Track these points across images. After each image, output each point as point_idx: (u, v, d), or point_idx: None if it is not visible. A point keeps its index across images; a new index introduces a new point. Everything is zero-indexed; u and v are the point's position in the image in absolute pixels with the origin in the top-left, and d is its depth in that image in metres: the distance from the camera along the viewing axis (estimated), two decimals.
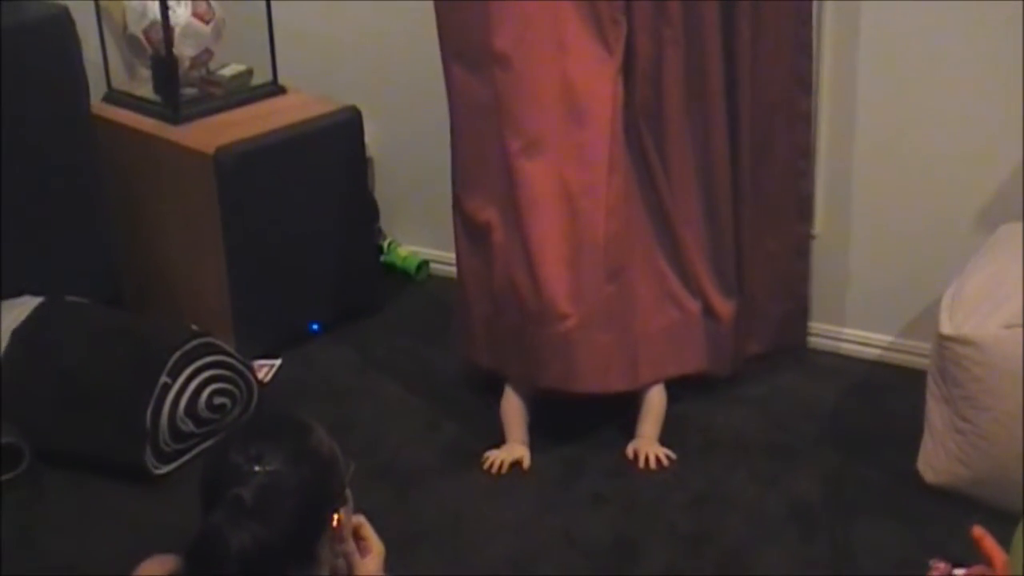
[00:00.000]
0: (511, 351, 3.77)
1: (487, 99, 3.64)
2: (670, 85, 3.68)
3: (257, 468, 2.04)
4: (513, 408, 3.78)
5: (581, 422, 3.85)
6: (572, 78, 3.59)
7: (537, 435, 3.79)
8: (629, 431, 3.77)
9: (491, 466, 3.65)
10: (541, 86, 3.59)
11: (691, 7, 3.60)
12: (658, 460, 3.66)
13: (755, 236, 3.94)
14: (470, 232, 3.81)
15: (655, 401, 3.78)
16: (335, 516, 2.17)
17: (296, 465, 2.09)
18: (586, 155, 3.62)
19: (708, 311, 3.89)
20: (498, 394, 3.83)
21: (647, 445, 3.70)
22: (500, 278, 3.70)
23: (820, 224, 4.05)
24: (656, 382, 3.79)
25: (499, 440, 3.74)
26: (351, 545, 2.32)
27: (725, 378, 3.98)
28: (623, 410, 3.80)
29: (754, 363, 4.07)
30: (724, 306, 3.91)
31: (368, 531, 2.36)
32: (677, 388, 3.87)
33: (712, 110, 3.72)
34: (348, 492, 2.24)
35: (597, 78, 3.61)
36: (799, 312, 4.13)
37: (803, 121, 3.85)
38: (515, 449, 3.70)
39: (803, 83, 3.80)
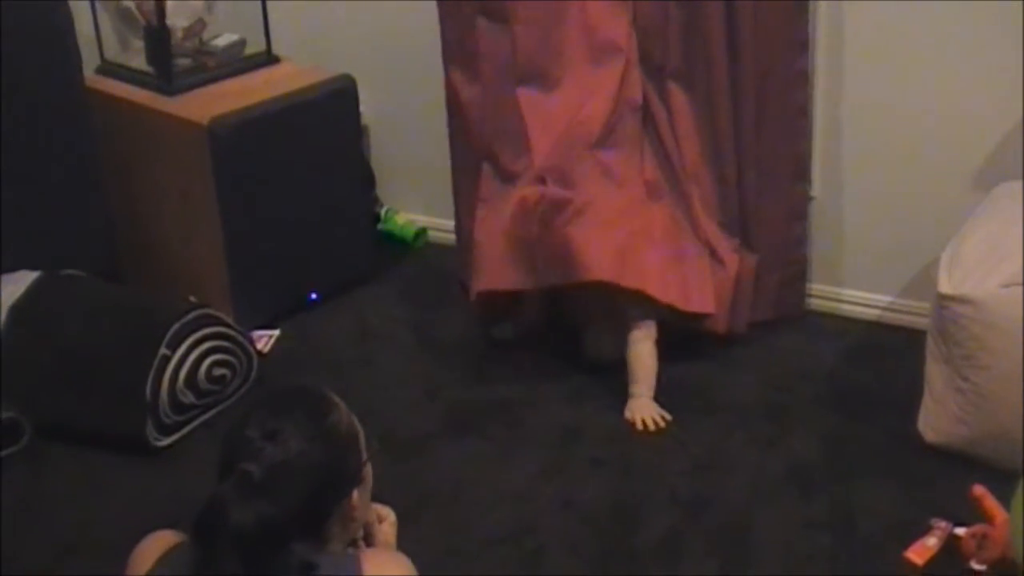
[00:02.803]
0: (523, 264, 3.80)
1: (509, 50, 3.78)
2: (672, 40, 3.75)
3: (270, 444, 2.03)
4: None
5: (580, 388, 3.85)
6: (591, 24, 3.72)
7: (536, 401, 3.80)
8: (627, 399, 3.78)
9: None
10: (561, 32, 3.73)
11: None
12: (656, 423, 3.67)
13: (756, 197, 3.94)
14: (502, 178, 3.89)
15: (646, 358, 3.78)
16: (351, 496, 2.15)
17: (311, 444, 2.06)
18: (602, 91, 3.75)
19: (715, 262, 3.93)
20: (497, 359, 3.82)
21: (643, 408, 3.71)
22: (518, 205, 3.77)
23: (818, 186, 4.04)
24: (666, 300, 3.75)
25: (496, 409, 3.77)
26: (372, 515, 2.32)
27: (724, 338, 3.98)
28: (621, 376, 3.81)
29: (752, 328, 4.07)
30: (731, 259, 3.93)
31: (377, 504, 2.36)
32: (677, 350, 3.88)
33: (714, 68, 3.74)
34: (368, 470, 2.22)
35: (613, 22, 3.73)
36: (797, 278, 4.12)
37: (800, 81, 3.84)
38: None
39: (800, 43, 3.79)
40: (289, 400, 2.18)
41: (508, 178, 3.86)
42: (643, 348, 3.78)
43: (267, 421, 2.06)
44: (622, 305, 3.77)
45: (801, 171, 3.98)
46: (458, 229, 4.29)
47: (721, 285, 3.92)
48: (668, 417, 3.68)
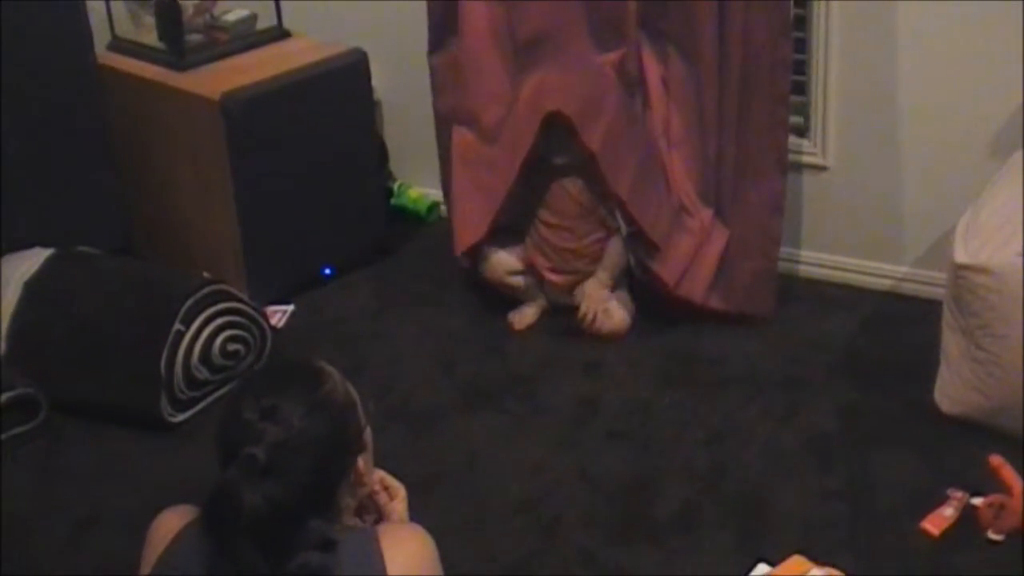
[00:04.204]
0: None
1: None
2: (670, 9, 3.80)
3: (270, 424, 2.01)
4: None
5: (595, 361, 3.85)
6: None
7: (551, 374, 3.80)
8: (644, 371, 3.78)
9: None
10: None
11: None
12: (595, 318, 3.91)
13: (734, 177, 3.92)
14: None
15: (611, 250, 3.98)
16: (356, 463, 2.14)
17: (311, 418, 2.03)
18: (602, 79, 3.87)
19: (689, 228, 3.97)
20: (512, 332, 3.85)
21: (592, 294, 3.93)
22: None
23: (832, 156, 4.03)
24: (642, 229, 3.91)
25: (511, 382, 3.78)
26: (381, 494, 2.30)
27: (697, 306, 3.99)
28: (637, 350, 3.80)
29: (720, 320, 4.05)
30: (703, 221, 3.96)
31: (389, 479, 2.35)
32: (690, 323, 3.88)
33: (702, 40, 3.76)
34: (368, 435, 2.21)
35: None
36: (769, 275, 4.03)
37: (783, 66, 3.78)
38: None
39: (784, 27, 3.73)
40: (281, 376, 2.16)
41: (492, 138, 3.96)
42: (612, 242, 3.99)
43: (263, 400, 2.03)
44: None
45: (782, 165, 3.91)
46: (450, 209, 4.29)
47: (690, 247, 3.95)
48: (624, 316, 3.95)
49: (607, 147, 3.80)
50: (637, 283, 4.08)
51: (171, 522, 2.11)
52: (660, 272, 3.95)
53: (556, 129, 3.82)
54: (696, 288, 3.97)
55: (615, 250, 3.99)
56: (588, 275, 4.01)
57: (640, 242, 3.96)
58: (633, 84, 3.89)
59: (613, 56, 3.84)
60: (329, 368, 2.17)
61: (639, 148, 3.90)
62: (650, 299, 4.05)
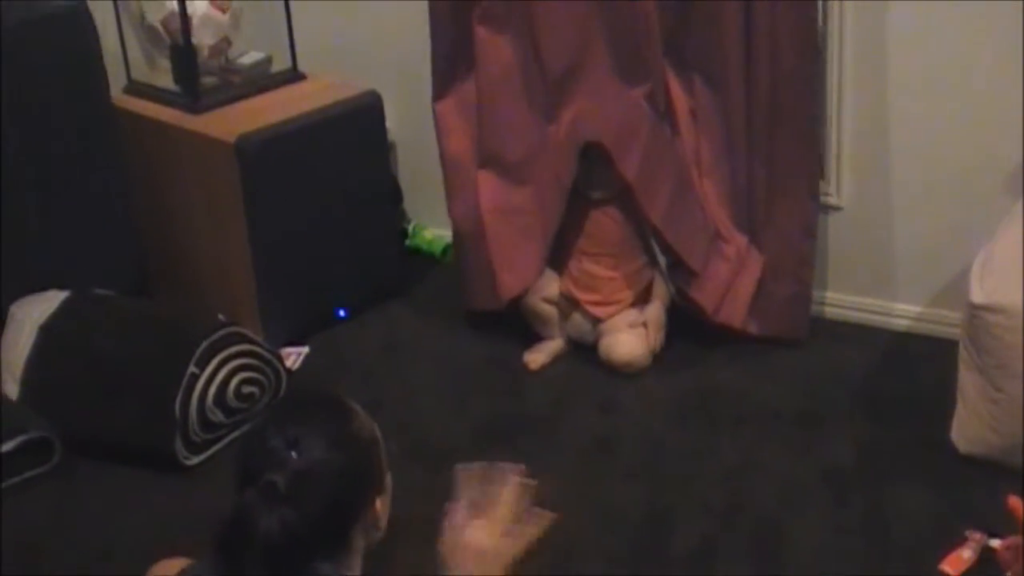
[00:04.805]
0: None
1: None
2: (694, 36, 3.83)
3: (294, 453, 2.00)
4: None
5: (611, 398, 3.85)
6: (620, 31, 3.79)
7: (567, 412, 3.79)
8: (660, 407, 3.77)
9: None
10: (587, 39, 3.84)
11: None
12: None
13: (767, 203, 3.94)
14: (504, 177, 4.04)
15: (653, 314, 4.03)
16: (374, 504, 2.13)
17: (334, 451, 2.03)
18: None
19: (726, 255, 3.99)
20: (527, 371, 3.85)
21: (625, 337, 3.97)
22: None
23: (847, 195, 4.03)
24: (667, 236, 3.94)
25: (527, 421, 3.78)
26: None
27: (736, 332, 4.02)
28: (653, 386, 3.79)
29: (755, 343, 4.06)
30: (737, 246, 3.97)
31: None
32: (708, 358, 3.89)
33: (729, 65, 3.78)
34: (389, 478, 2.20)
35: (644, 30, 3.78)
36: (803, 299, 4.05)
37: (813, 90, 3.80)
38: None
39: (810, 52, 3.75)
40: (309, 407, 2.15)
41: (521, 178, 3.98)
42: (654, 306, 4.04)
43: (288, 429, 2.02)
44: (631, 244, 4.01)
45: (814, 188, 3.93)
46: (463, 257, 4.29)
47: (728, 273, 3.97)
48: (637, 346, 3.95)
49: (642, 176, 3.83)
50: (676, 309, 4.10)
51: (163, 572, 2.11)
52: (699, 299, 3.98)
53: (592, 162, 3.84)
54: (735, 314, 4.00)
55: (656, 313, 4.03)
56: (629, 305, 4.01)
57: (679, 270, 3.99)
58: (662, 113, 3.89)
59: (641, 90, 3.82)
60: (357, 406, 2.16)
61: (672, 176, 3.91)
62: (671, 331, 4.06)
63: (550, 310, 4.08)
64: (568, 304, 4.07)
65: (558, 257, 4.07)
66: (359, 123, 4.28)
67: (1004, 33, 3.63)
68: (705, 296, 3.98)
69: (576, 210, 3.97)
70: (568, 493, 3.45)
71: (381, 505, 2.14)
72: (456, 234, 4.25)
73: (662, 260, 4.07)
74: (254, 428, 2.09)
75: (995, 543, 2.93)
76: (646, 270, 4.05)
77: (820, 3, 3.75)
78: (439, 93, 4.07)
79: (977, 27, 3.67)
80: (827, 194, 4.04)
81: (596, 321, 4.03)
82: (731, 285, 3.99)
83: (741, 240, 3.99)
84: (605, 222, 3.99)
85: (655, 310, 4.01)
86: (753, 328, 4.05)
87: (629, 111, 3.83)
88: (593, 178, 3.91)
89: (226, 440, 3.70)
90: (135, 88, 4.37)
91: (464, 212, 4.12)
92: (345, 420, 2.11)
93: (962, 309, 3.38)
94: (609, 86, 3.84)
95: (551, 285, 4.07)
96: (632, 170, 3.81)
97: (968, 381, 3.38)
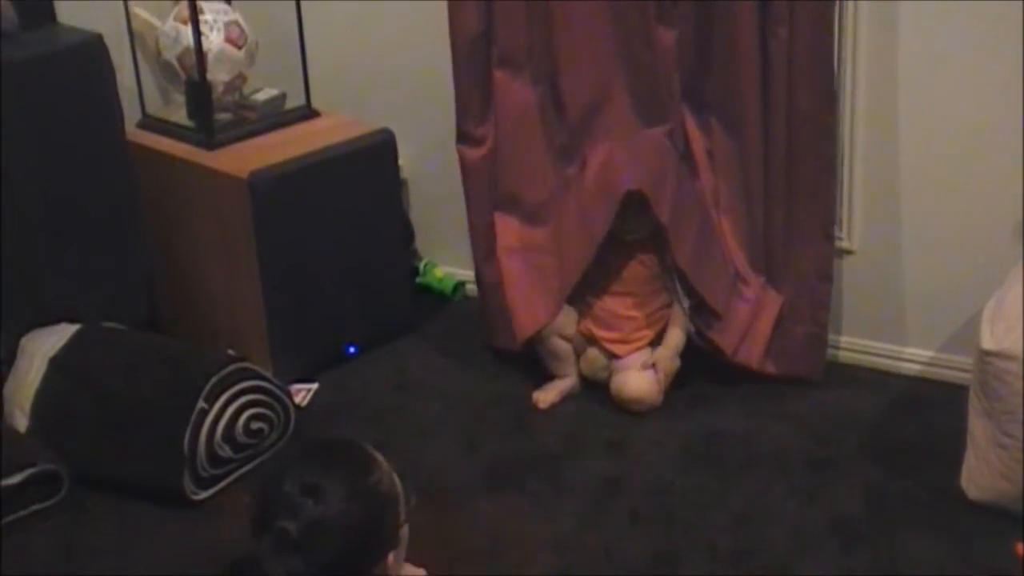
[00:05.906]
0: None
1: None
2: (711, 76, 3.84)
3: (309, 502, 1.99)
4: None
5: (620, 439, 3.84)
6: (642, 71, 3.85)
7: (575, 453, 3.79)
8: (668, 450, 3.76)
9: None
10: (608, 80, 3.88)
11: (728, 5, 3.70)
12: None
13: (784, 244, 3.95)
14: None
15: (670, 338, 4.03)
16: (386, 558, 2.11)
17: (351, 502, 2.02)
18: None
19: (745, 296, 4.00)
20: (536, 411, 3.84)
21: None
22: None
23: (858, 239, 4.02)
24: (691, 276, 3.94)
25: (535, 461, 3.76)
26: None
27: (753, 372, 4.02)
28: (661, 428, 3.78)
29: (790, 382, 4.05)
30: (763, 293, 3.98)
31: (411, 570, 2.32)
32: (716, 402, 3.86)
33: (747, 106, 3.79)
34: (405, 531, 2.18)
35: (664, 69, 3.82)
36: (818, 339, 4.05)
37: (828, 135, 3.81)
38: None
39: (828, 96, 3.77)
40: (330, 455, 2.13)
41: (540, 218, 3.99)
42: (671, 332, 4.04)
43: (306, 475, 2.01)
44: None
45: (828, 231, 3.93)
46: (484, 294, 4.29)
47: (747, 314, 3.98)
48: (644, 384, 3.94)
49: (673, 218, 3.84)
50: (689, 348, 4.09)
51: None
52: (718, 340, 3.98)
53: (626, 205, 3.85)
54: (753, 354, 4.01)
55: (673, 340, 4.04)
56: (647, 345, 4.02)
57: (700, 311, 4.00)
58: (682, 154, 3.92)
59: (662, 129, 3.86)
60: (380, 458, 2.14)
61: (696, 217, 3.94)
62: (683, 371, 4.06)
63: (566, 347, 4.07)
64: (584, 341, 4.07)
65: (579, 295, 4.07)
66: (372, 161, 4.29)
67: (1018, 81, 3.63)
68: (725, 338, 3.99)
69: (605, 250, 3.97)
70: (575, 534, 3.45)
71: (393, 560, 2.12)
72: (478, 273, 4.25)
73: (685, 302, 4.07)
74: (275, 470, 2.08)
75: None
76: (666, 311, 4.06)
77: (836, 48, 3.76)
78: (463, 138, 4.07)
79: (991, 73, 3.67)
80: (839, 237, 4.03)
81: (611, 358, 4.03)
82: (750, 326, 3.99)
83: (758, 281, 4.00)
84: (633, 263, 4.00)
85: (666, 352, 4.01)
86: (770, 368, 4.05)
87: (659, 153, 3.86)
88: (628, 222, 3.90)
89: (234, 475, 3.69)
90: (149, 123, 4.39)
91: (485, 252, 4.14)
92: (366, 471, 2.08)
93: (972, 355, 3.37)
94: (630, 126, 3.86)
95: (569, 322, 4.07)
96: (666, 213, 3.83)
97: (978, 427, 3.37)
